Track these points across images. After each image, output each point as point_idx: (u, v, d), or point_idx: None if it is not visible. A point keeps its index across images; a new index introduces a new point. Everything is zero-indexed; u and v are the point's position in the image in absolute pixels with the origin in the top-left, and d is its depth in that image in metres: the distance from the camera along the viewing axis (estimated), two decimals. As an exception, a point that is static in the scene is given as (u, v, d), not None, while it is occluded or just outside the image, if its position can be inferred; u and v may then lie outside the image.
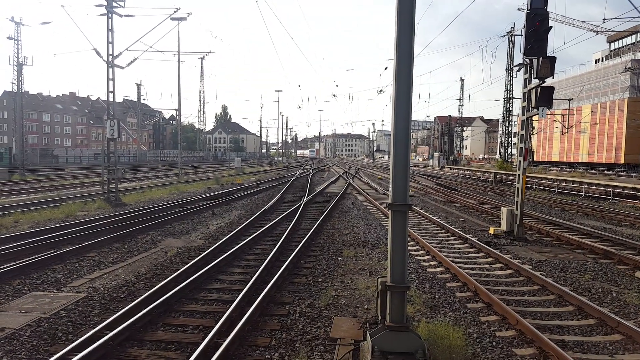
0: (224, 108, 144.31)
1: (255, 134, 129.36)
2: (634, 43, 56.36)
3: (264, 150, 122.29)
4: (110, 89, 18.78)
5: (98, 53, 18.72)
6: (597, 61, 63.51)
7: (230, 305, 6.49)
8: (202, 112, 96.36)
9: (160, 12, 31.03)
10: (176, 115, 44.68)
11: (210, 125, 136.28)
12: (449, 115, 79.40)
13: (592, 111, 53.24)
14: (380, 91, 44.89)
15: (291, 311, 6.84)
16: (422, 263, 10.08)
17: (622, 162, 49.52)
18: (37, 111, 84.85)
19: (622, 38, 58.36)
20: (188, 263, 9.07)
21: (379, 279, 5.70)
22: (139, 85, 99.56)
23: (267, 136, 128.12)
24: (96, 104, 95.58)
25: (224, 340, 5.31)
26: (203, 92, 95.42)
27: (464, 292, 8.07)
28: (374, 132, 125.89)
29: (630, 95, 49.21)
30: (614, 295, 8.02)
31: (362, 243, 12.04)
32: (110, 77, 18.70)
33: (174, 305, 6.87)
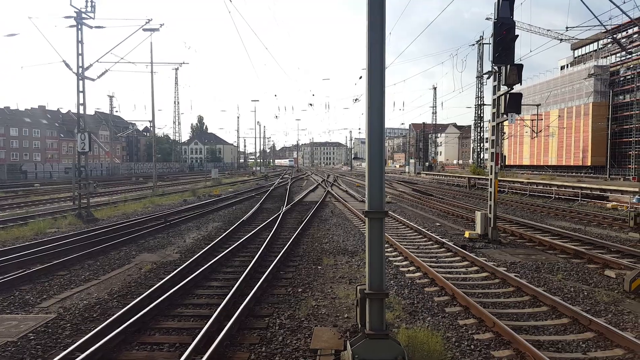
0: (200, 118, 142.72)
1: (232, 144, 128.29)
2: (596, 50, 58.67)
3: (241, 160, 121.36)
4: (81, 101, 18.35)
5: (67, 65, 18.31)
6: (562, 68, 65.78)
7: (208, 321, 6.37)
8: (177, 123, 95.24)
9: (132, 23, 30.65)
10: (150, 126, 44.01)
11: (185, 136, 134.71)
12: (423, 123, 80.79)
13: (559, 116, 55.05)
14: (356, 100, 45.34)
15: (271, 323, 6.77)
16: (400, 269, 10.14)
17: (589, 164, 51.29)
18: (5, 125, 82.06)
19: (585, 45, 60.71)
20: (163, 278, 8.88)
21: (358, 287, 5.71)
22: (111, 97, 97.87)
23: (245, 146, 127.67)
24: (67, 117, 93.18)
25: (201, 358, 5.20)
26: (178, 102, 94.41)
27: (442, 296, 8.15)
28: (351, 140, 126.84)
29: (595, 100, 51.11)
30: (586, 293, 8.24)
31: (342, 251, 12.05)
32: (81, 89, 18.29)
33: (149, 323, 6.70)
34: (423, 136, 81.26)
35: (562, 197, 26.93)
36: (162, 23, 22.55)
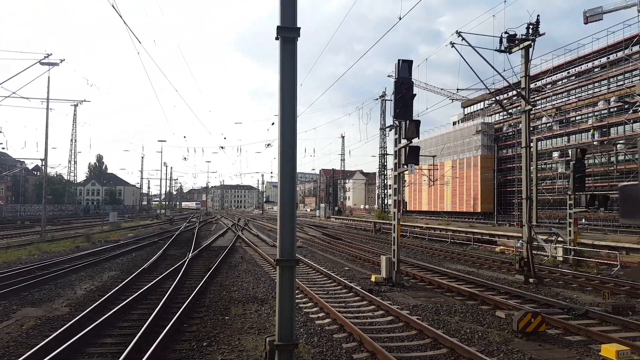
0: (99, 158, 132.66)
1: (135, 186, 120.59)
2: (482, 109, 66.52)
3: (144, 203, 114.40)
4: (-43, 135, 16.30)
5: (-57, 95, 16.29)
6: (454, 123, 73.20)
7: (100, 383, 5.75)
8: (72, 162, 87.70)
9: (28, 57, 28.32)
10: (42, 165, 40.06)
11: (82, 176, 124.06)
12: (333, 169, 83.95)
13: (452, 166, 60.60)
14: (268, 145, 45.96)
15: (172, 382, 6.29)
16: (310, 315, 10.13)
17: (479, 210, 56.58)
18: None
19: (473, 104, 68.60)
20: (49, 336, 7.88)
21: (267, 339, 5.60)
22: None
23: (149, 188, 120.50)
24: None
25: None
26: (75, 140, 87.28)
27: (350, 342, 8.25)
28: (263, 183, 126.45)
29: (482, 153, 57.23)
30: (480, 334, 8.87)
31: (251, 299, 11.73)
32: (-42, 122, 16.29)
33: (27, 391, 5.86)
34: (332, 182, 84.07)
35: (457, 241, 29.18)
36: (62, 58, 21.25)
